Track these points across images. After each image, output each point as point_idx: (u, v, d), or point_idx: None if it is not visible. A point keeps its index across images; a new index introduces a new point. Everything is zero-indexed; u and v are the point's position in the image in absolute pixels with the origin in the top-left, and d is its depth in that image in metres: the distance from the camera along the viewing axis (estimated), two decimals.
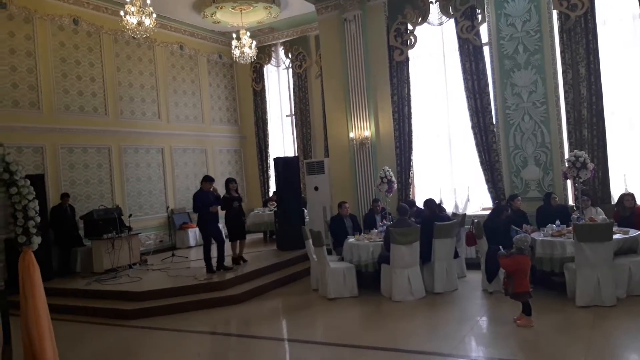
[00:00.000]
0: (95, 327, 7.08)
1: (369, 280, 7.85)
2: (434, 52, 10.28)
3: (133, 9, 8.32)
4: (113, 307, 7.53)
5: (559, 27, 8.75)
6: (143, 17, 8.39)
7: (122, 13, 8.36)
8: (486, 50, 9.37)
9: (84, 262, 9.61)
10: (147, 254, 10.88)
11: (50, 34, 10.19)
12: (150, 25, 8.49)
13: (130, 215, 10.32)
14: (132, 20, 8.36)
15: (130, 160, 11.56)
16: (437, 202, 8.91)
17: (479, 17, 9.36)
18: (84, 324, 7.26)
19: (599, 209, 7.83)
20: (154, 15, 8.54)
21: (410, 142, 10.16)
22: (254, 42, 11.64)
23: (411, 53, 10.18)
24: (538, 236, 7.09)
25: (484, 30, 9.36)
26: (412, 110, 10.17)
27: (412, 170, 10.23)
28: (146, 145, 11.95)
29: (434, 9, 9.81)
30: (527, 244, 5.73)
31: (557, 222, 7.26)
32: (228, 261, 8.95)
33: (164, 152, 12.35)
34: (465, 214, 9.26)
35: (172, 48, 12.85)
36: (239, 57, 11.41)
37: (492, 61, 9.25)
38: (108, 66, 11.24)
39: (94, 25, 11.01)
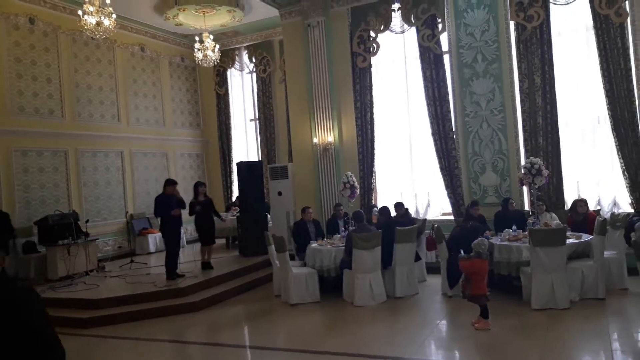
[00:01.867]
0: None
1: (331, 286, 7.88)
2: (396, 59, 10.43)
3: (92, 8, 8.11)
4: (68, 315, 7.26)
5: (515, 38, 9.02)
6: (102, 18, 8.18)
7: (80, 13, 8.14)
8: (446, 58, 9.58)
9: (38, 269, 9.29)
10: (105, 260, 10.59)
11: (4, 33, 9.83)
12: (110, 26, 8.29)
13: (87, 221, 10.03)
14: (91, 20, 8.14)
15: (88, 164, 11.25)
16: (405, 207, 9.05)
17: (440, 26, 9.56)
18: None
19: (554, 215, 8.09)
20: (114, 16, 8.34)
21: (372, 148, 10.26)
22: (217, 46, 11.54)
23: (374, 60, 10.30)
24: (496, 241, 7.27)
25: (444, 39, 9.56)
26: (375, 116, 10.27)
27: (375, 175, 10.33)
28: (105, 149, 11.65)
29: (396, 17, 9.96)
30: (484, 247, 5.87)
31: (514, 227, 7.48)
32: (188, 267, 8.81)
33: (124, 156, 12.07)
34: (425, 219, 9.41)
35: (133, 50, 12.60)
36: (201, 60, 11.30)
37: (452, 69, 9.47)
38: (65, 67, 10.92)
39: (51, 25, 10.68)
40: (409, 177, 10.32)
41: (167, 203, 8.33)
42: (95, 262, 9.71)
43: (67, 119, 10.88)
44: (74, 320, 7.13)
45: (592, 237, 7.00)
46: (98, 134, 11.48)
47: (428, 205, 10.07)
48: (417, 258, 8.07)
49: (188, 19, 11.95)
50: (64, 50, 10.93)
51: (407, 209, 9.12)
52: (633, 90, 8.18)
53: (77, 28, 8.75)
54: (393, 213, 8.62)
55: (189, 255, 9.39)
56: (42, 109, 10.41)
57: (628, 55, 8.20)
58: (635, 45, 8.19)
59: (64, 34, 10.92)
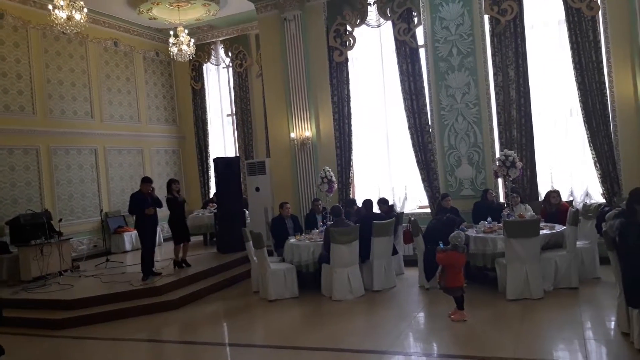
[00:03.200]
0: (23, 338, 6.68)
1: (310, 281, 7.88)
2: (373, 53, 10.42)
3: (62, 2, 7.95)
4: (42, 316, 7.16)
5: (490, 31, 9.09)
6: (73, 12, 8.04)
7: (50, 7, 7.97)
8: (422, 52, 9.61)
9: (11, 269, 9.08)
10: (80, 259, 10.41)
11: None
12: (81, 20, 8.14)
13: (60, 220, 9.84)
14: (62, 14, 7.98)
15: (61, 161, 11.02)
16: (391, 204, 9.10)
17: (415, 19, 9.57)
18: (10, 335, 6.81)
19: (528, 206, 8.20)
20: (85, 10, 8.19)
21: (350, 142, 10.26)
22: (192, 40, 11.41)
23: (350, 54, 10.28)
24: (471, 233, 7.35)
25: (420, 32, 9.59)
26: (352, 110, 10.27)
27: (352, 170, 10.34)
28: (78, 146, 11.43)
29: (372, 11, 9.95)
30: (461, 240, 5.93)
31: (489, 219, 7.57)
32: (164, 265, 8.72)
33: (98, 153, 11.86)
34: (402, 212, 9.46)
35: (106, 44, 12.37)
36: (176, 54, 11.15)
37: (427, 63, 9.51)
38: (36, 63, 10.67)
39: (21, 20, 10.41)
40: (387, 171, 10.35)
41: (142, 201, 8.22)
42: (70, 261, 9.54)
43: (39, 115, 10.64)
44: (48, 322, 7.02)
45: (565, 227, 7.12)
46: (71, 131, 11.26)
47: (405, 198, 10.12)
48: (395, 252, 8.12)
49: (162, 13, 11.79)
50: (35, 45, 10.67)
51: (392, 205, 9.17)
52: (604, 82, 8.32)
53: (48, 23, 8.56)
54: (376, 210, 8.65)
55: (165, 254, 9.27)
56: (12, 105, 10.16)
57: (600, 48, 8.33)
58: (606, 38, 8.33)
59: (34, 29, 10.66)
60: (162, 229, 11.53)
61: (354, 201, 9.50)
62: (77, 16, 8.05)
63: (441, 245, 6.09)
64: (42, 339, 6.63)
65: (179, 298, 7.64)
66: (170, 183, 9.10)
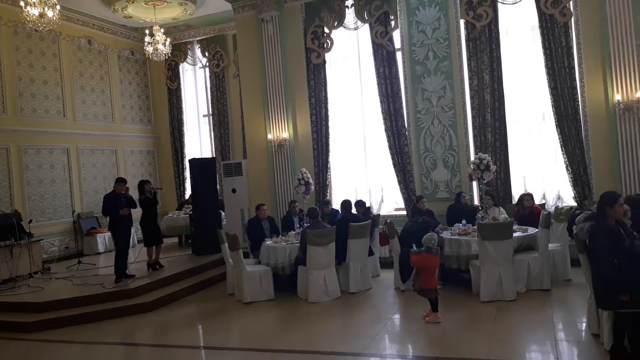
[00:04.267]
0: None
1: (286, 283, 7.85)
2: (350, 56, 10.47)
3: None
4: (10, 319, 6.99)
5: (465, 36, 9.21)
6: (46, 9, 7.87)
7: (22, 4, 7.78)
8: (399, 55, 9.68)
9: None
10: (51, 261, 10.20)
11: None
12: (54, 18, 7.98)
13: (30, 221, 9.60)
14: (34, 11, 7.81)
15: (32, 161, 10.77)
16: (368, 206, 9.12)
17: (392, 23, 9.64)
18: None
19: (502, 209, 8.32)
20: (58, 7, 8.03)
21: (327, 144, 10.26)
22: (169, 39, 11.28)
23: (328, 56, 10.30)
24: (446, 235, 7.42)
25: (397, 36, 9.66)
26: (329, 112, 10.28)
27: (329, 171, 10.35)
28: (49, 145, 11.17)
29: (350, 14, 9.98)
30: (434, 242, 5.98)
31: (464, 221, 7.65)
32: (138, 267, 8.58)
33: (70, 153, 11.61)
34: (379, 214, 9.51)
35: (80, 42, 12.13)
36: (152, 54, 11.01)
37: (404, 66, 9.58)
38: (6, 60, 10.40)
39: None
40: (364, 173, 10.40)
41: (115, 202, 8.09)
42: (40, 263, 9.33)
43: (9, 114, 10.39)
44: (17, 325, 6.87)
45: (537, 230, 7.24)
46: (42, 130, 11.01)
47: (382, 200, 10.17)
48: (371, 253, 8.15)
49: (138, 11, 11.63)
50: (5, 42, 10.41)
51: (368, 207, 9.20)
52: (576, 87, 8.50)
53: (20, 19, 8.34)
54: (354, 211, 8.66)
55: (139, 255, 9.13)
56: None
57: (572, 53, 8.51)
58: (578, 44, 8.50)
59: (5, 26, 10.40)
60: (136, 231, 11.35)
61: (328, 202, 9.52)
62: (50, 13, 7.90)
63: (415, 247, 6.13)
64: (12, 342, 6.47)
65: (152, 300, 7.54)
66: (143, 184, 8.96)
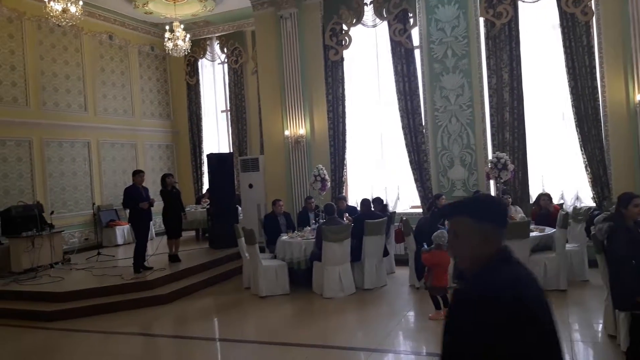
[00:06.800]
0: (12, 329, 6.68)
1: (301, 278, 7.90)
2: (368, 53, 10.46)
3: None
4: (32, 308, 7.14)
5: (485, 34, 9.15)
6: (69, 4, 8.02)
7: None
8: (417, 53, 9.65)
9: (1, 261, 9.03)
10: (71, 252, 10.38)
11: None
12: (77, 13, 8.12)
13: (52, 212, 9.80)
14: (57, 7, 7.96)
15: (54, 154, 10.97)
16: (385, 203, 9.13)
17: (411, 21, 9.61)
18: None
19: (518, 208, 8.27)
20: (81, 3, 8.18)
21: (344, 141, 10.29)
22: (188, 35, 11.38)
23: (346, 53, 10.31)
24: None
25: (415, 33, 9.63)
26: (347, 109, 10.30)
27: (346, 168, 10.38)
28: (71, 139, 11.38)
29: (368, 11, 9.98)
30: (444, 239, 5.95)
31: None
32: (157, 260, 8.72)
33: (91, 146, 11.81)
34: (395, 212, 9.51)
35: (101, 38, 12.31)
36: (172, 49, 11.12)
37: (422, 64, 9.55)
38: (30, 54, 10.60)
39: (16, 11, 10.34)
40: (380, 170, 10.40)
41: (136, 194, 8.23)
42: (61, 254, 9.51)
43: (32, 107, 10.59)
44: (38, 314, 7.00)
45: (554, 230, 7.19)
46: (64, 124, 11.20)
47: (398, 198, 10.18)
48: (386, 254, 8.12)
49: (158, 7, 11.76)
50: (29, 37, 10.61)
51: (385, 205, 9.21)
52: (597, 87, 8.40)
53: (43, 15, 8.49)
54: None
55: (158, 248, 9.27)
56: (5, 97, 10.09)
57: (593, 53, 8.41)
58: (599, 43, 8.40)
59: (29, 21, 10.59)
60: (155, 223, 11.50)
61: (343, 197, 9.54)
62: (73, 9, 8.04)
63: (425, 246, 6.13)
64: (32, 330, 6.62)
65: (170, 292, 7.65)
66: (165, 177, 9.10)
